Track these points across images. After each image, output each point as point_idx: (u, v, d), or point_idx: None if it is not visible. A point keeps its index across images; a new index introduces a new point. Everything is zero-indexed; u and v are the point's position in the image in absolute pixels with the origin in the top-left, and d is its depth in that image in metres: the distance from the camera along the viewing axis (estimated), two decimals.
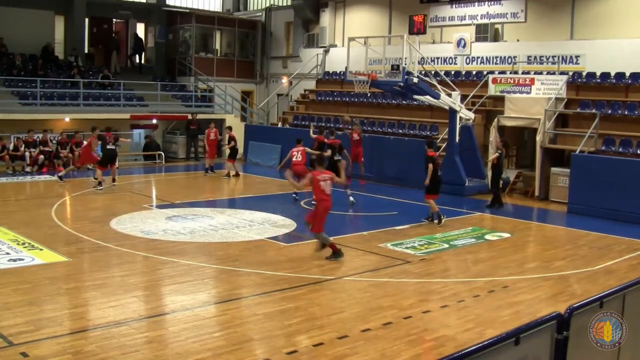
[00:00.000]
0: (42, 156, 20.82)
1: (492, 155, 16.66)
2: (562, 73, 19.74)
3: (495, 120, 19.07)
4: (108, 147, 17.71)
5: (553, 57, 20.94)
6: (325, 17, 28.75)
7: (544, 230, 14.96)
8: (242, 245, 11.77)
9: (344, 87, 25.76)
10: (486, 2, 23.67)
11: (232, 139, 20.58)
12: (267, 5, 32.08)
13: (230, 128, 21.36)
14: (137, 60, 30.11)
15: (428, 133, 21.65)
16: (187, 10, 30.22)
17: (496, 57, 23.02)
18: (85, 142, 19.28)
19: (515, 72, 20.84)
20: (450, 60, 24.29)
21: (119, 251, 10.98)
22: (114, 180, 17.88)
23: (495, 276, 10.15)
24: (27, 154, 20.66)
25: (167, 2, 30.95)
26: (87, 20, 28.51)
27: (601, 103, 18.80)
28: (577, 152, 16.84)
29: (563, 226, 15.12)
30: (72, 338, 7.08)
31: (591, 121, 17.37)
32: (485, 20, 23.57)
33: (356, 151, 19.02)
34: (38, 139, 21.11)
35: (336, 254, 10.72)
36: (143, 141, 25.40)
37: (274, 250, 11.59)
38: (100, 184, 17.28)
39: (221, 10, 33.57)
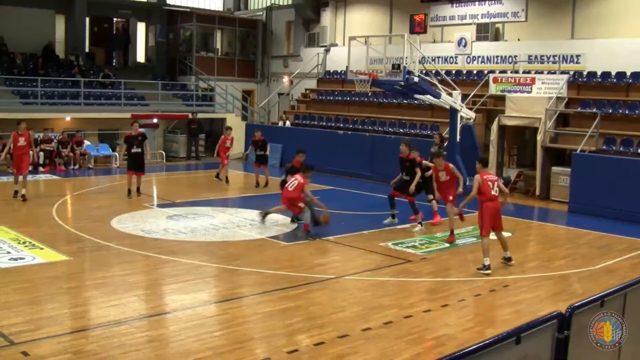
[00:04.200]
0: (42, 153, 20.76)
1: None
2: (562, 72, 19.73)
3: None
4: (257, 153, 18.71)
5: (554, 56, 20.93)
6: (326, 17, 28.75)
7: (544, 230, 14.95)
8: (243, 244, 11.77)
9: (344, 87, 25.75)
10: (487, 2, 23.65)
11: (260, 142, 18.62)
12: (268, 4, 32.08)
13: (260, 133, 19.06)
14: (124, 59, 29.81)
15: (429, 132, 21.65)
16: (188, 10, 30.21)
17: (497, 57, 23.01)
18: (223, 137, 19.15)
19: (516, 72, 20.81)
20: (451, 59, 24.28)
21: (119, 250, 10.98)
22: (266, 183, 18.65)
23: (496, 275, 10.14)
24: (31, 152, 20.58)
25: (168, 1, 30.93)
26: (87, 19, 28.51)
27: (602, 102, 18.79)
28: (577, 151, 16.83)
29: (564, 225, 15.11)
30: (73, 337, 7.08)
31: (592, 120, 17.36)
32: (486, 20, 23.56)
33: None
34: (39, 138, 21.09)
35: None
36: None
37: (275, 249, 11.59)
38: (258, 184, 18.66)
39: (222, 10, 33.56)
